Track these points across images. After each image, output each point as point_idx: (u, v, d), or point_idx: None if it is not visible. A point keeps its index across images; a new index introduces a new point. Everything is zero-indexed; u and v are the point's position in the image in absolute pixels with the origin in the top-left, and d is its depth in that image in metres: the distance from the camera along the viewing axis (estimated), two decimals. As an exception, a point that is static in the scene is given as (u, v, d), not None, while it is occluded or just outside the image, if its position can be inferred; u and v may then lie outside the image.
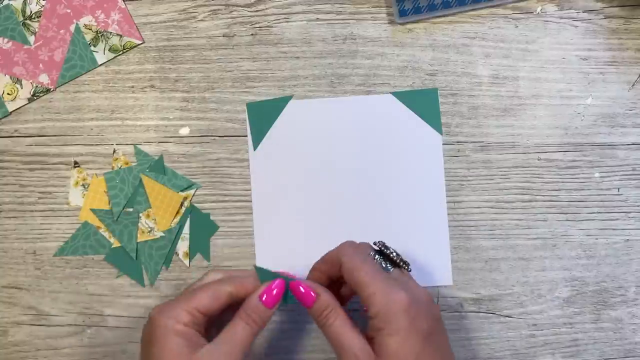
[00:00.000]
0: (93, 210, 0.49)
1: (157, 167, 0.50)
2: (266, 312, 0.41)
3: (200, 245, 0.49)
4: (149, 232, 0.49)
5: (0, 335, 0.50)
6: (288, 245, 0.50)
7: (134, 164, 0.50)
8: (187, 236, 0.49)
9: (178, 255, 0.50)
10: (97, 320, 0.50)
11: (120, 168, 0.50)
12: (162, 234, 0.49)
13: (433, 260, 0.49)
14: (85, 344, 0.50)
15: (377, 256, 0.42)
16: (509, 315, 0.49)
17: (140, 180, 0.49)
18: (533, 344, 0.49)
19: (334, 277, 0.44)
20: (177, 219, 0.49)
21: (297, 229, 0.50)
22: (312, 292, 0.41)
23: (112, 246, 0.49)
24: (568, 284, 0.49)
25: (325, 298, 0.41)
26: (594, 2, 0.50)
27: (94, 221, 0.50)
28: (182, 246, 0.49)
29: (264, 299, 0.41)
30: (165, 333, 0.39)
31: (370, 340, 0.39)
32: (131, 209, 0.49)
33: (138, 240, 0.49)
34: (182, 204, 0.49)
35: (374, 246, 0.44)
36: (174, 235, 0.49)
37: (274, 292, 0.41)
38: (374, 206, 0.49)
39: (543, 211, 0.49)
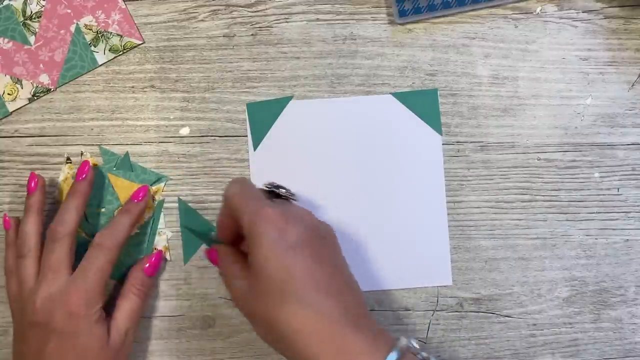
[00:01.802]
0: None
1: (124, 165, 0.50)
2: (150, 280, 0.47)
3: (196, 245, 0.49)
4: None
5: (0, 335, 0.50)
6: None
7: (101, 164, 0.50)
8: (165, 231, 0.49)
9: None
10: (97, 320, 0.50)
11: None
12: (137, 230, 0.49)
13: (433, 260, 0.49)
14: (86, 343, 0.50)
15: (266, 193, 0.43)
16: (509, 315, 0.49)
17: (109, 180, 0.50)
18: (533, 343, 0.49)
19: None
20: (149, 214, 0.49)
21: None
22: (214, 251, 0.45)
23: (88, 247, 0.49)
24: (568, 284, 0.49)
25: (222, 250, 0.44)
26: (594, 2, 0.50)
27: None
28: (161, 241, 0.49)
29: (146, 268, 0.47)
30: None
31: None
32: (103, 209, 0.50)
33: None
34: (153, 198, 0.49)
35: (264, 187, 0.44)
36: (148, 229, 0.49)
37: (154, 261, 0.47)
38: (374, 206, 0.50)
39: (543, 211, 0.49)
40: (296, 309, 0.36)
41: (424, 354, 0.38)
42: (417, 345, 0.37)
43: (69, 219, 0.45)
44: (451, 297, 0.49)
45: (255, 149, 0.50)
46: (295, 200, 0.44)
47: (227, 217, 0.43)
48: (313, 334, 0.36)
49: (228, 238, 0.45)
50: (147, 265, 0.47)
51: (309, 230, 0.39)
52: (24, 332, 0.43)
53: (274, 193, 0.43)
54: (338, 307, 0.37)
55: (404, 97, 0.50)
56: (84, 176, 0.47)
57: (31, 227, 0.46)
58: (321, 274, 0.37)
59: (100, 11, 0.50)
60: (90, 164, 0.47)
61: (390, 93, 0.50)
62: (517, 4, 0.50)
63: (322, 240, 0.40)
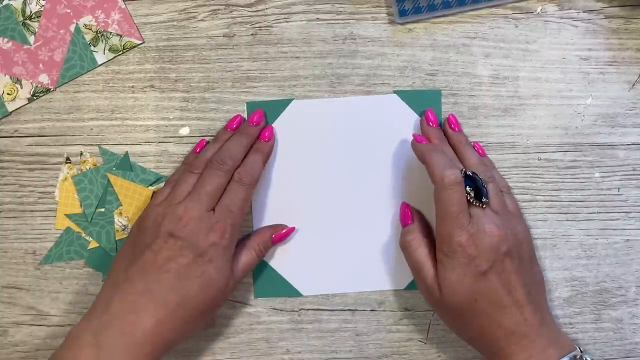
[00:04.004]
0: (68, 216, 0.49)
1: (124, 165, 0.50)
2: (271, 245, 0.49)
3: None
4: (123, 229, 0.49)
5: (0, 335, 0.50)
6: (287, 245, 0.50)
7: (100, 164, 0.50)
8: None
9: None
10: (97, 320, 0.50)
11: (87, 169, 0.50)
12: None
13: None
14: (85, 344, 0.50)
15: (467, 187, 0.43)
16: (509, 316, 0.49)
17: (108, 180, 0.49)
18: (533, 344, 0.49)
19: None
20: None
21: (297, 228, 0.50)
22: (410, 214, 0.47)
23: (88, 247, 0.49)
24: (568, 284, 0.49)
25: (416, 226, 0.46)
26: (594, 2, 0.50)
27: (75, 226, 0.50)
28: None
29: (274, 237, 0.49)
30: None
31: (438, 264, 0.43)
32: (103, 209, 0.49)
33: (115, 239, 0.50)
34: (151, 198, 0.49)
35: (465, 179, 0.43)
36: None
37: (284, 234, 0.49)
38: (374, 206, 0.49)
39: (543, 211, 0.49)
40: (482, 322, 0.42)
41: None
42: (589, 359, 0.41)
43: (256, 170, 0.46)
44: (451, 297, 0.49)
45: (254, 149, 0.50)
46: (486, 205, 0.43)
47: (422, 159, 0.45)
48: (497, 338, 0.41)
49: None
50: (275, 235, 0.48)
51: (497, 255, 0.41)
52: (155, 240, 0.43)
53: (476, 187, 0.43)
54: (517, 320, 0.41)
55: (407, 96, 0.50)
56: (267, 138, 0.48)
57: (238, 150, 0.47)
58: (504, 295, 0.41)
59: (99, 11, 0.50)
60: (272, 128, 0.49)
61: (393, 91, 0.50)
62: (517, 4, 0.49)
63: (509, 260, 0.42)
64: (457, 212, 0.42)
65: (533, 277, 0.44)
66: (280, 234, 0.49)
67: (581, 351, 0.41)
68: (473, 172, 0.44)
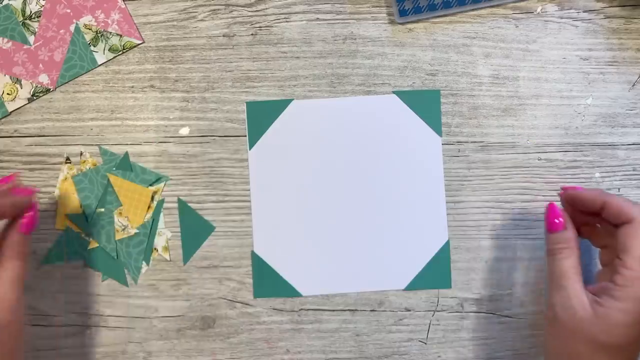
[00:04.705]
0: (68, 216, 0.49)
1: (124, 165, 0.50)
2: (27, 239, 0.42)
3: (195, 245, 0.49)
4: (123, 230, 0.49)
5: (0, 336, 0.50)
6: (287, 245, 0.50)
7: (100, 164, 0.50)
8: (165, 231, 0.49)
9: (157, 251, 0.49)
10: (97, 321, 0.50)
11: (87, 169, 0.50)
12: (137, 230, 0.49)
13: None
14: (85, 344, 0.50)
15: None
16: (509, 316, 0.49)
17: (108, 180, 0.49)
18: (533, 344, 0.49)
19: (584, 211, 0.43)
20: (149, 214, 0.49)
21: (296, 228, 0.50)
22: (561, 220, 0.42)
23: (88, 247, 0.49)
24: (568, 284, 0.49)
25: (569, 235, 0.42)
26: (594, 2, 0.50)
27: (75, 226, 0.50)
28: (160, 241, 0.49)
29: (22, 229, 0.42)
30: None
31: (595, 294, 0.39)
32: (103, 209, 0.50)
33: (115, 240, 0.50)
34: (152, 198, 0.49)
35: None
36: (148, 230, 0.49)
37: (28, 219, 0.42)
38: (374, 206, 0.49)
39: (543, 211, 0.49)
40: None
41: None
42: None
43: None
44: (451, 297, 0.49)
45: (250, 148, 0.50)
46: None
47: (591, 204, 0.42)
48: None
49: (574, 209, 0.43)
50: (22, 226, 0.41)
51: None
52: None
53: None
54: None
55: (406, 96, 0.50)
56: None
57: None
58: None
59: (99, 11, 0.50)
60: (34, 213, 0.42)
61: (393, 92, 0.50)
62: (517, 4, 0.49)
63: None
64: None
65: None
66: (27, 220, 0.42)
67: None
68: None
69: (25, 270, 0.41)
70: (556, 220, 0.42)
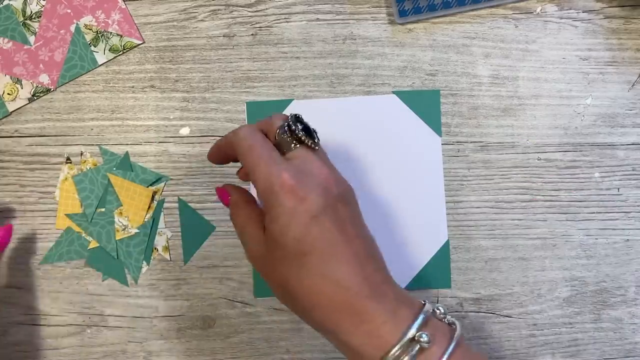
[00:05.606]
0: (68, 216, 0.49)
1: (124, 165, 0.50)
2: None
3: (195, 245, 0.50)
4: (124, 229, 0.50)
5: (0, 335, 0.50)
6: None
7: (101, 164, 0.50)
8: (165, 231, 0.50)
9: (158, 251, 0.50)
10: (97, 320, 0.50)
11: (88, 169, 0.50)
12: (137, 230, 0.49)
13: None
14: (85, 344, 0.50)
15: (283, 135, 0.38)
16: (509, 315, 0.49)
17: (109, 180, 0.50)
18: (533, 343, 0.49)
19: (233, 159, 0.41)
20: (149, 214, 0.49)
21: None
22: (226, 193, 0.41)
23: (88, 247, 0.49)
24: (568, 284, 0.49)
25: (234, 197, 0.40)
26: (594, 2, 0.50)
27: (75, 226, 0.50)
28: (161, 241, 0.50)
29: None
30: None
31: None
32: (103, 209, 0.50)
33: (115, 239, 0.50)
34: (153, 198, 0.50)
35: (284, 125, 0.38)
36: (148, 229, 0.49)
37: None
38: (373, 206, 0.50)
39: (543, 211, 0.49)
40: (314, 281, 0.35)
41: (450, 318, 0.36)
42: (442, 310, 0.36)
43: None
44: (451, 297, 0.49)
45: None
46: (317, 147, 0.38)
47: (226, 149, 0.40)
48: (333, 307, 0.35)
49: (218, 162, 0.42)
50: None
51: (329, 197, 0.36)
52: None
53: (295, 136, 0.38)
54: (357, 277, 0.35)
55: (406, 96, 0.50)
56: None
57: None
58: (341, 244, 0.35)
59: (100, 11, 0.50)
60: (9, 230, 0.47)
61: (393, 92, 0.50)
62: (517, 4, 0.50)
63: (342, 206, 0.36)
64: (268, 153, 0.36)
65: (368, 233, 0.38)
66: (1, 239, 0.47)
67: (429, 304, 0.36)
68: (299, 115, 0.39)
69: None
70: (225, 194, 0.41)
